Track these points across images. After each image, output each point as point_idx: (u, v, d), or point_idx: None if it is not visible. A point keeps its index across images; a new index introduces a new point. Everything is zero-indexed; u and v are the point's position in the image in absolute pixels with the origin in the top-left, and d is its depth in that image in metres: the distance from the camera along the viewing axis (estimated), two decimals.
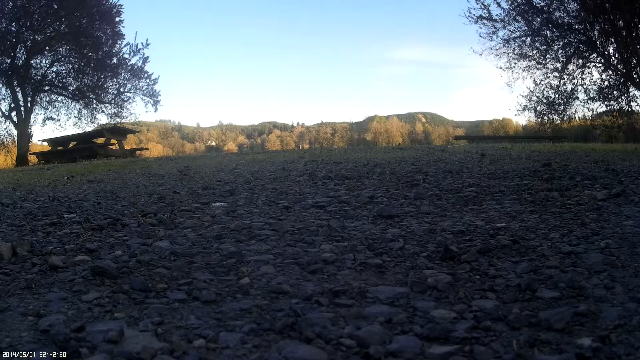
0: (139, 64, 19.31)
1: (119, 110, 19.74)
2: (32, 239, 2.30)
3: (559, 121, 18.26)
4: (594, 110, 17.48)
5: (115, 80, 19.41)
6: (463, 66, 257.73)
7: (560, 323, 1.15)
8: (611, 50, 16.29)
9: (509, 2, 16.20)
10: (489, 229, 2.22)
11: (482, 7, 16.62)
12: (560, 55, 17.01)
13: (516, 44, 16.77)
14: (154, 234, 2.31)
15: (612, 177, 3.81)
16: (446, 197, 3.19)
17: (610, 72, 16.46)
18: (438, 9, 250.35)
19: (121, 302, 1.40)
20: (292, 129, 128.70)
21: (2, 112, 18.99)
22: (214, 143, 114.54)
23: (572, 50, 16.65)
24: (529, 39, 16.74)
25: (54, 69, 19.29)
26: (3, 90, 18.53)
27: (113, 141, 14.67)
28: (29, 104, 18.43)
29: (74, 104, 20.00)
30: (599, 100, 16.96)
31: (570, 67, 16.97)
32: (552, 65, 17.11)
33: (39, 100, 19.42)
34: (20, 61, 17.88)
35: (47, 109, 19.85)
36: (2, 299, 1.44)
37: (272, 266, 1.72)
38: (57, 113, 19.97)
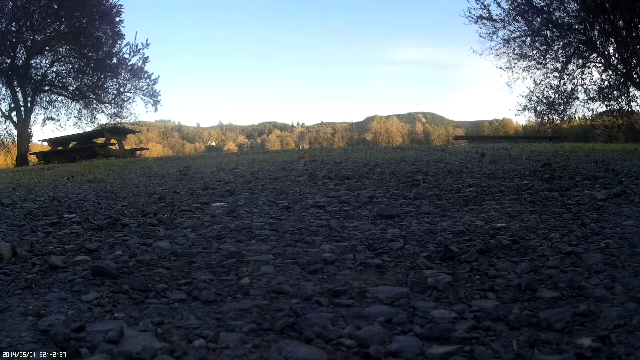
0: (139, 64, 19.38)
1: (119, 110, 19.81)
2: (32, 239, 2.30)
3: (559, 121, 18.29)
4: (594, 110, 17.53)
5: (115, 80, 19.47)
6: (463, 66, 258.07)
7: (560, 323, 1.14)
8: (611, 50, 16.33)
9: (509, 2, 16.25)
10: (489, 229, 2.22)
11: (482, 7, 16.68)
12: (560, 55, 17.05)
13: (516, 44, 16.81)
14: (154, 234, 2.31)
15: (612, 177, 3.81)
16: (446, 197, 3.18)
17: (610, 72, 16.48)
18: (438, 9, 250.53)
19: (121, 302, 1.40)
20: (292, 129, 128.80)
21: (2, 112, 19.04)
22: (214, 143, 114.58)
23: (572, 50, 16.67)
24: (529, 39, 16.77)
25: (54, 69, 19.36)
26: (3, 90, 18.59)
27: (113, 141, 14.69)
28: (29, 104, 18.46)
29: (74, 104, 20.05)
30: (599, 100, 17.00)
31: (570, 67, 17.02)
32: (552, 65, 17.15)
33: (39, 100, 19.46)
34: (20, 61, 17.91)
35: (47, 109, 19.92)
36: (2, 299, 1.44)
37: (272, 266, 1.72)
38: (57, 113, 20.05)
